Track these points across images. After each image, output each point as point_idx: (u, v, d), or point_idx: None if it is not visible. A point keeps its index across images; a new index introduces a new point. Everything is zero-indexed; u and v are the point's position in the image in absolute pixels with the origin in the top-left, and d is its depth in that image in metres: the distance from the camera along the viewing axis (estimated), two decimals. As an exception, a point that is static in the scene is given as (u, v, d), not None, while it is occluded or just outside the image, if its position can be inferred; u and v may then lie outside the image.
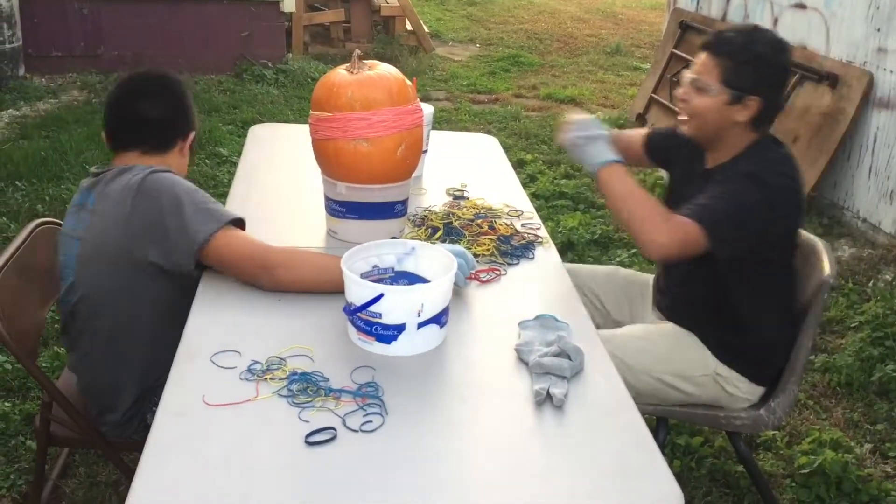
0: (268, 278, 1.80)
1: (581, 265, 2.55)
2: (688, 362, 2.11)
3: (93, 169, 1.98)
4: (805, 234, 2.19)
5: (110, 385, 1.95)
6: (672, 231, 1.89)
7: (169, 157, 2.00)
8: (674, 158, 2.26)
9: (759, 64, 1.95)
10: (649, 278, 2.43)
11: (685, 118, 2.06)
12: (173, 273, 1.84)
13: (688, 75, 2.03)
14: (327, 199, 2.10)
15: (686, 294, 2.15)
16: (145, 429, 1.90)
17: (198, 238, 1.80)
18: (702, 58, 2.01)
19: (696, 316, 2.14)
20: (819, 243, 2.17)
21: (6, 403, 2.71)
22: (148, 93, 1.98)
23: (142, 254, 1.83)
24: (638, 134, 2.38)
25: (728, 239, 1.92)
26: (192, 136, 2.05)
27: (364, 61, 2.02)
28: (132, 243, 1.82)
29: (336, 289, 1.75)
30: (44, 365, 2.85)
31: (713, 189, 1.97)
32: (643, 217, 1.92)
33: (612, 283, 2.44)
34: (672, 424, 2.73)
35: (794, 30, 5.13)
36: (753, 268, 2.04)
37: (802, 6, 5.05)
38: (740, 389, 2.13)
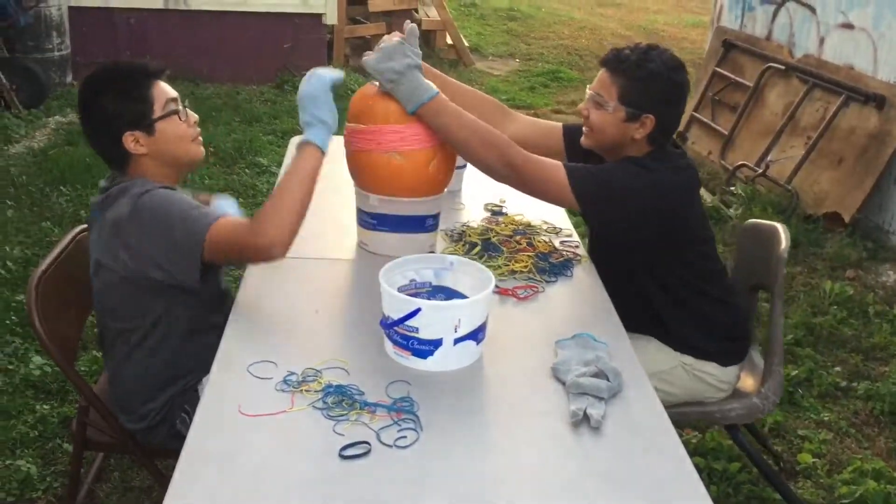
0: (258, 236, 1.73)
1: None
2: (655, 361, 2.13)
3: (102, 183, 1.94)
4: (763, 221, 2.43)
5: (137, 393, 1.96)
6: (514, 153, 1.93)
7: (136, 162, 1.90)
8: (587, 156, 2.22)
9: (654, 82, 1.98)
10: None
11: (587, 131, 2.10)
12: (178, 288, 1.82)
13: (588, 91, 2.08)
14: (359, 210, 2.11)
15: (626, 304, 2.13)
16: (174, 436, 1.91)
17: (194, 244, 1.75)
18: (600, 74, 2.05)
19: (644, 321, 2.16)
20: (777, 226, 2.31)
21: (45, 406, 2.75)
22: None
23: (142, 274, 1.81)
24: (553, 125, 2.35)
25: (589, 191, 1.95)
26: (128, 135, 1.86)
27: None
28: (131, 265, 1.81)
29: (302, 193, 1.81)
30: (82, 369, 2.89)
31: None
32: (479, 142, 1.95)
33: None
34: (709, 449, 2.69)
35: (840, 50, 5.05)
36: (670, 262, 2.09)
37: (850, 26, 4.97)
38: (714, 376, 2.19)
